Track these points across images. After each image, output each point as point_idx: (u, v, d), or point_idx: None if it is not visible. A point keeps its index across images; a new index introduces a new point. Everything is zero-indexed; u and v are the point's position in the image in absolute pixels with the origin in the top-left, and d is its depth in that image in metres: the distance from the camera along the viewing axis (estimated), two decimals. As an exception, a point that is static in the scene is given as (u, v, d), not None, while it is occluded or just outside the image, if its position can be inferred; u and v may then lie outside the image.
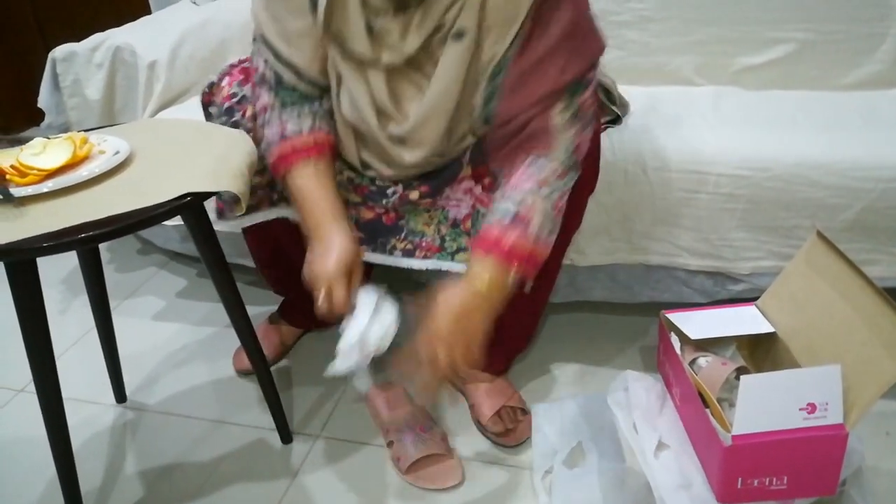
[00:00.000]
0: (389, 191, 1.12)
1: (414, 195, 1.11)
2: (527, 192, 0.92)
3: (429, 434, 1.18)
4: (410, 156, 1.04)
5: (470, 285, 0.90)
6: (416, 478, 1.14)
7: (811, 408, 0.91)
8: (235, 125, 1.11)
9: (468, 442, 1.22)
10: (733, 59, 1.66)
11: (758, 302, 1.18)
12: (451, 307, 0.89)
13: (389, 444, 1.20)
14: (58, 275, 1.80)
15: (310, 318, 1.13)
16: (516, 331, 1.29)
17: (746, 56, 1.65)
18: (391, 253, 1.17)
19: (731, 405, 1.03)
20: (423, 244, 1.16)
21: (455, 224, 1.14)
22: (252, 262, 1.52)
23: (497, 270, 0.90)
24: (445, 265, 1.14)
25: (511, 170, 0.96)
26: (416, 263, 1.16)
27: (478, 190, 1.10)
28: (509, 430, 1.21)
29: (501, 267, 0.90)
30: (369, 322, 0.93)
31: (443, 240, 1.15)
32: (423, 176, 1.10)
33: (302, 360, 1.45)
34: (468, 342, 0.90)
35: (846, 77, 1.61)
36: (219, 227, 1.13)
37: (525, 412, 1.24)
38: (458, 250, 1.14)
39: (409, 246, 1.16)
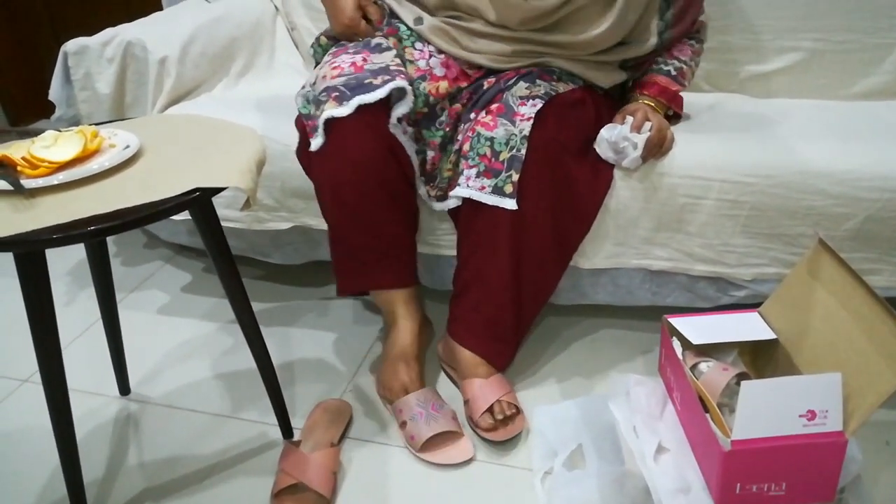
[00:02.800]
0: (439, 108, 1.28)
1: (442, 86, 1.28)
2: (684, 59, 1.37)
3: (440, 413, 1.22)
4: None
5: (653, 109, 1.32)
6: (430, 455, 1.18)
7: (811, 415, 0.91)
8: None
9: (469, 440, 1.22)
10: (741, 66, 1.67)
11: (760, 308, 1.18)
12: (655, 115, 1.30)
13: (402, 424, 1.23)
14: (64, 267, 1.81)
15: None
16: (515, 322, 1.29)
17: (754, 64, 1.66)
18: (428, 198, 1.33)
19: (732, 411, 1.03)
20: (450, 185, 1.27)
21: (458, 152, 1.26)
22: (261, 255, 1.54)
23: (662, 106, 1.36)
24: (460, 192, 1.23)
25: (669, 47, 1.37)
26: (451, 203, 1.27)
27: (482, 114, 1.24)
28: (498, 426, 1.21)
29: (666, 104, 1.36)
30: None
31: (453, 172, 1.28)
32: (474, 92, 1.30)
33: (304, 356, 1.46)
34: (665, 125, 1.31)
35: (854, 87, 1.62)
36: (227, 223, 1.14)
37: (518, 411, 1.24)
38: (458, 176, 1.24)
39: (440, 192, 1.31)
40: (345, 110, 1.15)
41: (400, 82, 1.19)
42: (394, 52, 1.26)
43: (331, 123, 1.17)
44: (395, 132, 1.22)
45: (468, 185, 1.21)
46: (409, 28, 1.32)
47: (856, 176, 1.23)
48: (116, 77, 1.59)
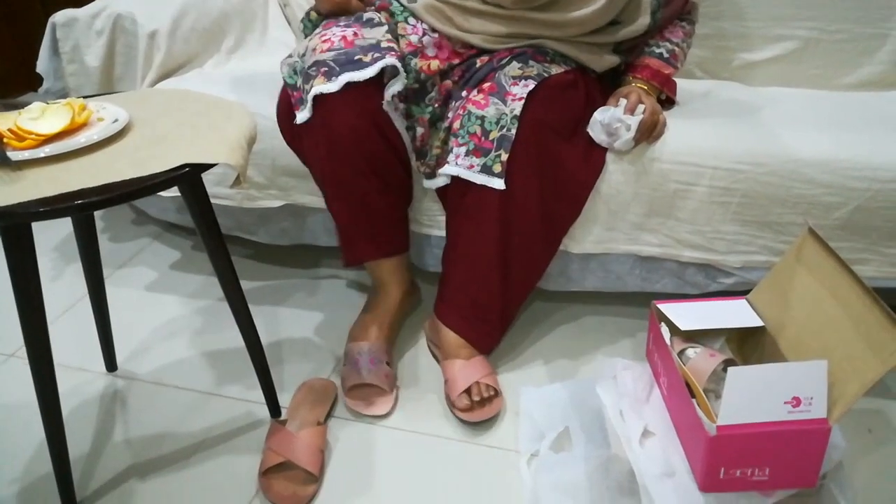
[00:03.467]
0: (430, 84, 1.27)
1: (453, 88, 1.28)
2: (676, 41, 1.37)
3: (375, 367, 1.28)
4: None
5: (646, 92, 1.33)
6: (350, 399, 1.26)
7: (796, 401, 0.92)
8: None
9: (455, 423, 1.23)
10: (735, 54, 1.66)
11: (748, 296, 1.19)
12: (648, 97, 1.30)
13: (344, 365, 1.31)
14: (51, 242, 1.80)
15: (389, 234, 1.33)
16: (501, 304, 1.30)
17: (748, 52, 1.66)
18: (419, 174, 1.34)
19: (718, 396, 1.04)
20: (438, 162, 1.28)
21: (448, 130, 1.26)
22: (248, 233, 1.53)
23: (655, 89, 1.36)
24: (449, 170, 1.23)
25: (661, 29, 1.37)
26: (439, 181, 1.28)
27: (473, 92, 1.24)
28: (475, 407, 1.22)
29: (659, 87, 1.36)
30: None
31: (442, 150, 1.28)
32: (466, 70, 1.29)
33: (292, 335, 1.46)
34: (658, 108, 1.30)
35: (848, 77, 1.62)
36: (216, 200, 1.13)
37: (496, 393, 1.25)
38: (447, 153, 1.25)
39: (428, 169, 1.31)
40: (333, 86, 1.15)
41: (390, 60, 1.18)
42: (385, 27, 1.25)
43: (318, 99, 1.17)
44: (388, 110, 1.21)
45: (457, 164, 1.21)
46: (401, 4, 1.30)
47: (847, 165, 1.23)
48: (105, 50, 1.56)
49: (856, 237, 1.28)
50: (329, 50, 1.18)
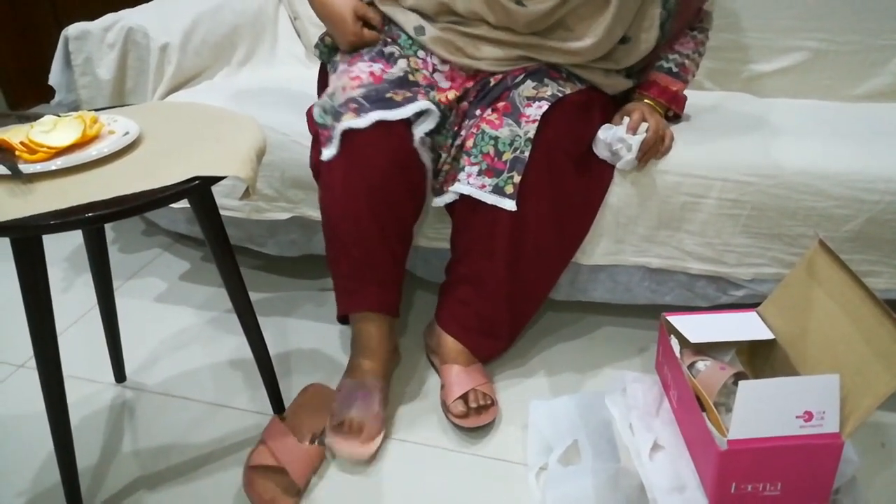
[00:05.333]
0: (449, 112, 1.26)
1: (450, 95, 1.25)
2: (686, 53, 1.35)
3: (366, 406, 1.19)
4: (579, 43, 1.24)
5: (652, 109, 1.31)
6: (332, 436, 1.16)
7: (808, 416, 0.91)
8: None
9: (459, 435, 1.23)
10: (745, 65, 1.66)
11: (758, 308, 1.18)
12: (653, 115, 1.28)
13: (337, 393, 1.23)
14: (61, 253, 1.81)
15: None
16: (509, 317, 1.30)
17: (758, 63, 1.65)
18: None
19: (728, 410, 1.03)
20: (447, 179, 1.27)
21: (461, 147, 1.25)
22: (257, 245, 1.53)
23: (662, 106, 1.34)
24: (460, 188, 1.22)
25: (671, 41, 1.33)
26: (447, 198, 1.26)
27: (488, 111, 1.23)
28: (470, 413, 1.21)
29: (666, 105, 1.35)
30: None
31: (452, 166, 1.27)
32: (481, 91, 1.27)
33: (301, 346, 1.45)
34: (663, 126, 1.29)
35: (858, 88, 1.61)
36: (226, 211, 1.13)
37: (492, 402, 1.24)
38: (459, 171, 1.24)
39: (437, 186, 1.29)
40: (362, 122, 1.14)
41: (424, 103, 1.18)
42: (406, 61, 1.25)
43: (347, 135, 1.16)
44: (419, 148, 1.20)
45: (468, 182, 1.21)
46: (409, 37, 1.29)
47: (857, 178, 1.23)
48: (117, 63, 1.58)
49: (867, 249, 1.27)
50: (359, 87, 1.18)
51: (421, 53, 1.29)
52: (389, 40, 1.30)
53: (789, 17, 1.60)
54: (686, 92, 1.38)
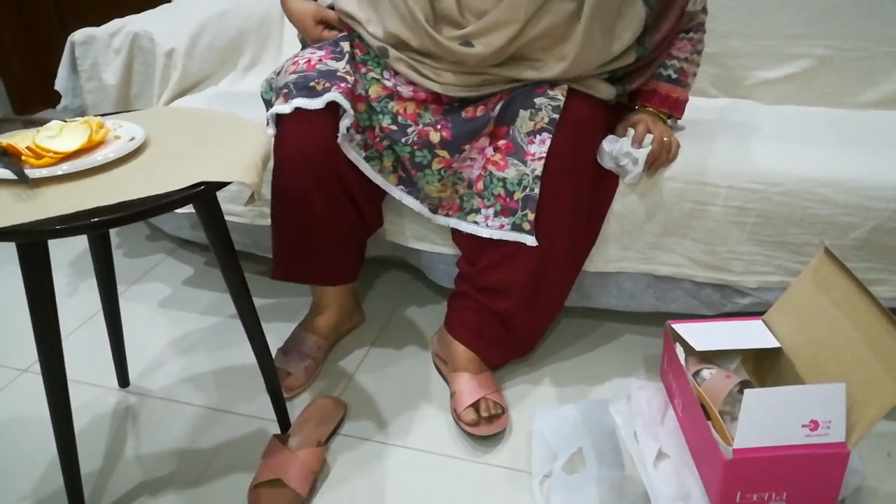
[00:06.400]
0: (410, 129, 1.23)
1: (435, 137, 1.22)
2: (684, 56, 1.32)
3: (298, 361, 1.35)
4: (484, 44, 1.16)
5: (655, 118, 1.30)
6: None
7: (814, 425, 0.91)
8: None
9: (465, 443, 1.22)
10: (750, 72, 1.66)
11: (764, 316, 1.18)
12: (657, 125, 1.28)
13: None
14: (66, 257, 1.81)
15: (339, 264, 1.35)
16: (524, 332, 1.31)
17: (763, 70, 1.65)
18: (421, 208, 1.32)
19: (734, 418, 1.03)
20: (444, 203, 1.29)
21: (469, 185, 1.25)
22: (261, 250, 1.53)
23: (665, 115, 1.32)
24: (463, 226, 1.26)
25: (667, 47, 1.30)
26: (441, 220, 1.30)
27: (490, 151, 1.22)
28: (481, 421, 1.21)
29: (669, 112, 1.33)
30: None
31: (462, 199, 1.27)
32: (449, 117, 1.23)
33: (305, 354, 1.45)
34: (668, 135, 1.28)
35: (863, 95, 1.61)
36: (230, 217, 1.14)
37: (503, 411, 1.24)
38: (472, 211, 1.24)
39: (432, 206, 1.31)
40: (286, 108, 1.18)
41: (335, 94, 1.17)
42: (346, 60, 1.24)
43: (278, 117, 1.21)
44: (342, 143, 1.21)
45: (487, 225, 1.22)
46: (375, 54, 1.28)
47: (863, 185, 1.22)
48: (123, 68, 1.58)
49: (873, 257, 1.27)
50: (294, 72, 1.21)
51: (386, 73, 1.28)
52: (351, 43, 1.30)
53: (795, 24, 1.60)
54: (691, 99, 1.37)
